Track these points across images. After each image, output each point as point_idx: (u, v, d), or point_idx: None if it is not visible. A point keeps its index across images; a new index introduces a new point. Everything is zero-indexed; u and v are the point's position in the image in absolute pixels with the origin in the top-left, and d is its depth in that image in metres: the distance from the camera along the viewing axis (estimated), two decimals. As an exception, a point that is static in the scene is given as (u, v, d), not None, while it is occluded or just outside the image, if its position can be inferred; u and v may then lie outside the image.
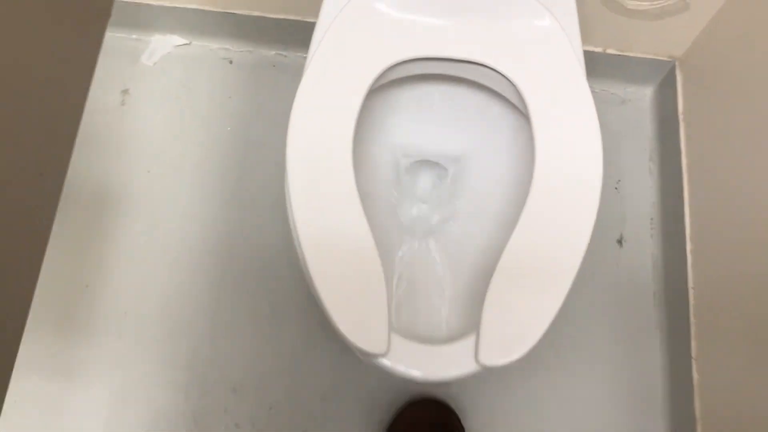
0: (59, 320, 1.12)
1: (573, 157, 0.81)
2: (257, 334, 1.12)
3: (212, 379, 1.10)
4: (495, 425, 1.08)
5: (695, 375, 1.03)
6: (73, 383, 1.09)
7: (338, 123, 0.82)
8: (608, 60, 1.25)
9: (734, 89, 1.05)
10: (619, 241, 1.20)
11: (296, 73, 0.82)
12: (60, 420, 1.07)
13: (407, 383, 1.10)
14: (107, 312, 1.13)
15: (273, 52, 1.32)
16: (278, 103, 1.28)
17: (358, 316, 0.75)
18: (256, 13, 1.23)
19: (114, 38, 1.29)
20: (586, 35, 1.17)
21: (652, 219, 1.21)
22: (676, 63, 1.23)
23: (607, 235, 1.21)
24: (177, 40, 1.31)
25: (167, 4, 1.23)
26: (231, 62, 1.31)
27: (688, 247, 1.11)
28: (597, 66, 1.24)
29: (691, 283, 1.08)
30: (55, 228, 0.56)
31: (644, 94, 1.31)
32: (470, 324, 0.80)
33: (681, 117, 1.20)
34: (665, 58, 1.23)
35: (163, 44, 1.30)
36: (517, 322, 0.76)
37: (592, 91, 0.83)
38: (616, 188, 1.24)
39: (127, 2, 1.23)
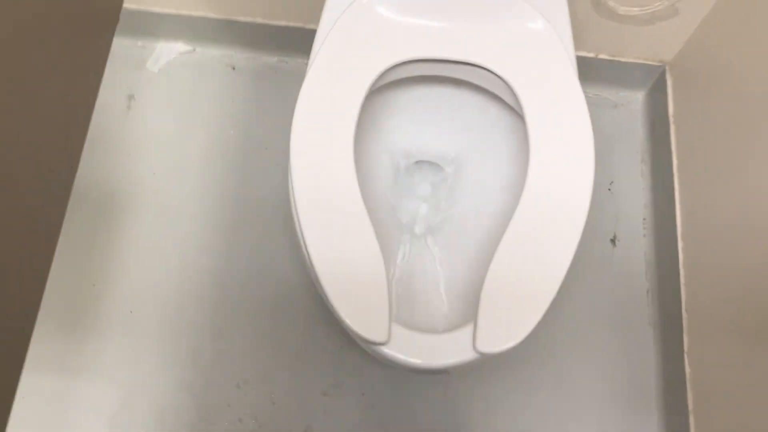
0: (66, 318, 1.14)
1: (566, 155, 0.84)
2: (260, 331, 1.15)
3: (216, 375, 1.12)
4: (493, 421, 1.11)
5: (687, 368, 1.06)
6: (80, 379, 1.11)
7: (339, 123, 0.85)
8: (600, 65, 1.29)
9: (722, 92, 1.08)
10: (613, 241, 1.24)
11: (297, 79, 0.86)
12: (66, 415, 1.09)
13: (408, 375, 1.13)
14: (113, 310, 1.16)
15: (275, 59, 1.36)
16: (280, 107, 1.31)
17: (361, 307, 0.78)
18: (258, 21, 1.27)
19: (120, 45, 1.33)
20: (578, 41, 1.20)
21: (644, 219, 1.25)
22: (666, 67, 1.27)
23: (601, 235, 1.24)
24: (181, 47, 1.34)
25: (172, 11, 1.27)
26: (234, 68, 1.35)
27: (680, 245, 1.14)
28: (590, 71, 1.28)
29: (682, 280, 1.12)
30: (63, 228, 0.59)
31: (636, 98, 1.34)
32: (468, 317, 0.83)
33: (671, 120, 1.23)
34: (656, 63, 1.27)
35: (168, 51, 1.34)
36: (513, 311, 0.78)
37: (585, 96, 0.86)
38: (609, 189, 1.27)
39: (132, 10, 1.26)
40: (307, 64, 0.90)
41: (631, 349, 1.15)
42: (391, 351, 0.78)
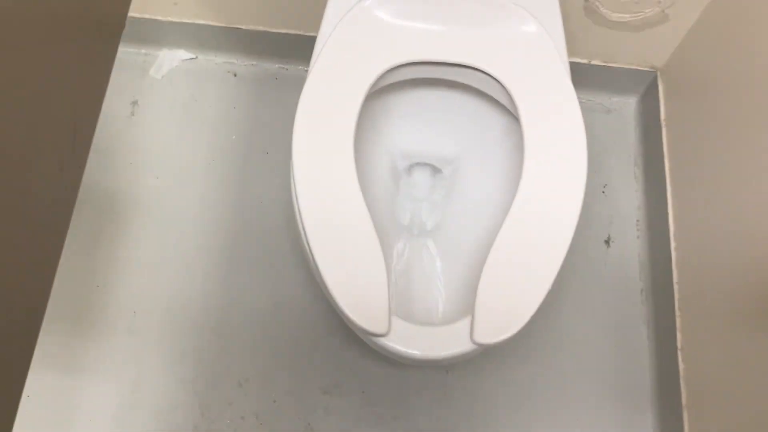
0: (72, 318, 1.16)
1: (560, 153, 0.87)
2: (261, 331, 1.17)
3: (218, 373, 1.14)
4: (492, 419, 1.13)
5: (681, 365, 1.08)
6: (85, 378, 1.13)
7: (340, 124, 0.87)
8: (594, 71, 1.32)
9: (712, 97, 1.11)
10: (607, 242, 1.26)
11: (297, 86, 0.88)
12: (72, 413, 1.11)
13: (407, 376, 1.15)
14: (118, 310, 1.18)
15: (275, 66, 1.39)
16: (280, 113, 1.34)
17: (362, 300, 0.80)
18: (260, 28, 1.30)
19: (124, 53, 1.36)
20: (572, 47, 1.24)
21: (638, 220, 1.27)
22: (658, 73, 1.30)
23: (596, 236, 1.26)
24: (184, 54, 1.37)
25: (175, 19, 1.30)
26: (235, 75, 1.38)
27: (672, 245, 1.17)
28: (583, 77, 1.31)
29: (675, 278, 1.14)
30: (68, 231, 0.61)
31: (628, 104, 1.37)
32: (465, 314, 0.85)
33: (663, 124, 1.26)
34: (647, 69, 1.30)
35: (171, 58, 1.37)
36: (509, 304, 0.81)
37: (579, 101, 0.88)
38: (603, 192, 1.30)
39: (136, 18, 1.30)
40: (306, 72, 0.92)
41: (626, 346, 1.17)
42: (390, 342, 0.80)
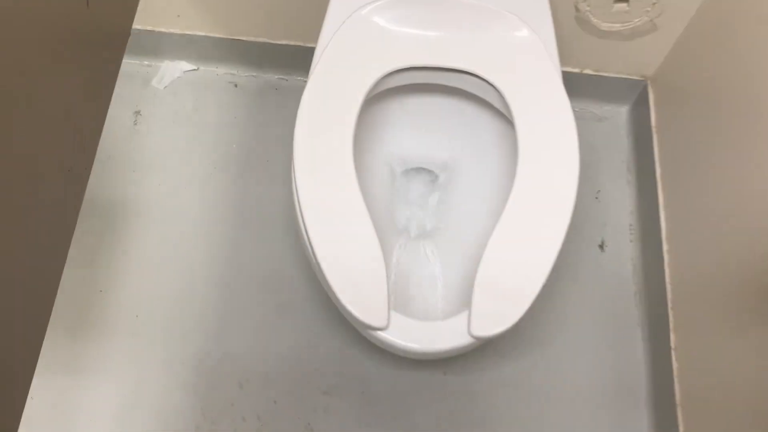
0: (75, 322, 1.18)
1: (553, 153, 0.90)
2: (262, 332, 1.19)
3: (219, 375, 1.16)
4: (489, 418, 1.15)
5: (674, 364, 1.10)
6: (88, 380, 1.14)
7: (339, 126, 0.90)
8: (586, 80, 1.35)
9: (701, 104, 1.14)
10: (601, 246, 1.29)
11: (297, 96, 0.91)
12: (74, 414, 1.12)
13: (405, 375, 1.16)
14: (120, 314, 1.19)
15: (276, 77, 1.42)
16: (280, 122, 1.37)
17: (362, 295, 0.82)
18: (260, 40, 1.33)
19: (127, 64, 1.39)
20: (564, 56, 1.27)
21: (631, 225, 1.30)
22: (648, 82, 1.33)
23: (590, 241, 1.29)
24: (186, 65, 1.41)
25: (177, 31, 1.34)
26: (236, 86, 1.41)
27: (665, 247, 1.19)
28: (576, 86, 1.34)
29: (668, 280, 1.16)
30: (72, 236, 0.63)
31: (620, 112, 1.41)
32: (463, 310, 0.87)
33: (654, 131, 1.30)
34: (638, 78, 1.34)
35: (173, 69, 1.40)
36: (504, 299, 0.83)
37: (573, 110, 0.91)
38: (596, 198, 1.33)
39: (139, 30, 1.33)
40: (306, 82, 0.95)
41: (621, 347, 1.19)
42: (390, 336, 0.82)
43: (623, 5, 1.13)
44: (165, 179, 1.31)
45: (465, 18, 0.96)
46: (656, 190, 1.25)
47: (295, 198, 0.89)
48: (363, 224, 0.85)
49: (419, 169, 1.15)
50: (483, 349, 1.18)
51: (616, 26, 1.18)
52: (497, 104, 0.97)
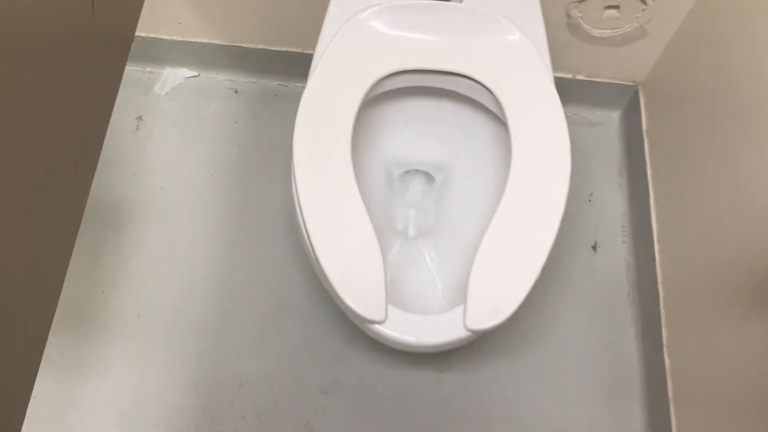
0: (77, 323, 1.20)
1: (545, 151, 0.92)
2: (261, 333, 1.21)
3: (219, 375, 1.17)
4: (487, 416, 1.16)
5: (667, 360, 1.13)
6: (90, 380, 1.16)
7: (337, 128, 0.93)
8: (579, 86, 1.38)
9: (690, 108, 1.17)
10: (594, 247, 1.31)
11: (296, 102, 0.93)
12: (76, 414, 1.14)
13: (404, 376, 1.18)
14: (122, 315, 1.21)
15: (275, 83, 1.45)
16: (279, 128, 1.40)
17: (360, 289, 0.84)
18: (260, 46, 1.36)
19: (130, 70, 1.42)
20: (557, 63, 1.31)
21: (623, 226, 1.33)
22: (639, 87, 1.36)
23: (583, 242, 1.31)
24: (187, 72, 1.43)
25: (179, 38, 1.37)
26: (236, 92, 1.44)
27: (656, 247, 1.22)
28: (569, 92, 1.37)
29: (660, 279, 1.19)
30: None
31: (612, 117, 1.44)
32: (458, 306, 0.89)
33: (645, 135, 1.32)
34: (629, 83, 1.37)
35: (174, 76, 1.43)
36: (499, 293, 0.85)
37: (565, 116, 0.94)
38: (590, 200, 1.36)
39: (142, 37, 1.36)
40: (304, 88, 0.98)
41: (615, 345, 1.21)
42: (387, 329, 0.84)
43: (614, 11, 1.16)
44: (166, 182, 1.33)
45: (460, 22, 0.99)
46: (647, 192, 1.28)
47: (295, 197, 0.91)
48: (361, 221, 0.88)
49: (416, 171, 1.17)
50: (479, 349, 1.21)
51: (607, 32, 1.21)
52: (492, 106, 0.99)
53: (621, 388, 1.18)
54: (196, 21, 1.32)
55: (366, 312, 0.83)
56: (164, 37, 1.37)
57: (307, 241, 0.88)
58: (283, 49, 1.37)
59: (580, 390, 1.18)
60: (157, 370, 1.18)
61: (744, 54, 1.00)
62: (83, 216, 0.67)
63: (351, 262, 0.86)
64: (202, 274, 1.25)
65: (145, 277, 1.24)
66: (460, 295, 0.96)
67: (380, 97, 1.03)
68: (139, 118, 1.39)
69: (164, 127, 1.39)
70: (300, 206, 0.89)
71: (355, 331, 1.19)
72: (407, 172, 1.18)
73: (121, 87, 0.76)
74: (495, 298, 0.85)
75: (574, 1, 1.15)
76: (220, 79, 1.44)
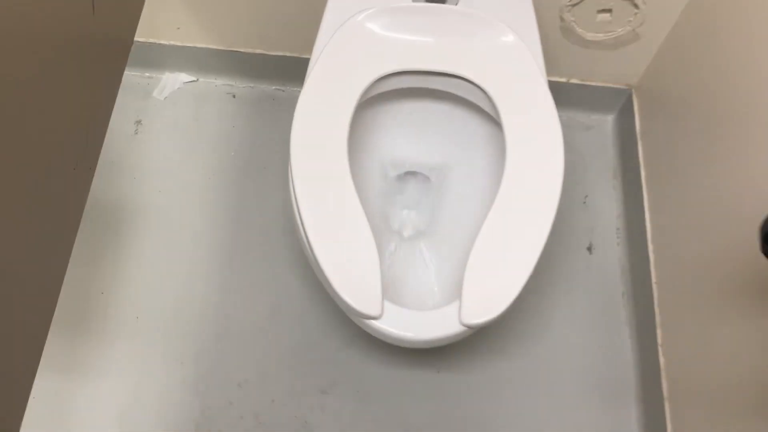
0: (76, 324, 1.21)
1: (539, 150, 0.94)
2: (260, 333, 1.22)
3: (218, 375, 1.18)
4: (484, 416, 1.17)
5: (661, 359, 1.13)
6: (90, 380, 1.17)
7: (334, 128, 0.94)
8: (573, 90, 1.40)
9: (682, 111, 1.19)
10: (589, 249, 1.32)
11: (293, 106, 0.95)
12: (75, 414, 1.15)
13: (403, 376, 1.19)
14: (121, 315, 1.22)
15: (272, 87, 1.46)
16: (277, 131, 1.41)
17: (357, 286, 0.86)
18: (258, 51, 1.38)
19: (128, 75, 1.43)
20: (551, 67, 1.32)
21: (617, 228, 1.34)
22: (632, 91, 1.38)
23: (578, 244, 1.33)
24: (185, 77, 1.45)
25: (177, 43, 1.38)
26: (234, 96, 1.45)
27: (650, 248, 1.23)
28: (563, 95, 1.38)
29: (654, 280, 1.20)
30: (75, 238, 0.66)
31: (606, 120, 1.45)
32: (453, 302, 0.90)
33: (639, 138, 1.34)
34: (622, 87, 1.38)
35: (173, 81, 1.44)
36: (493, 289, 0.86)
37: (560, 119, 0.95)
38: (584, 203, 1.37)
39: (141, 42, 1.37)
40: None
41: (610, 345, 1.23)
42: (383, 325, 0.85)
43: (606, 15, 1.18)
44: (165, 184, 1.34)
45: (455, 24, 1.00)
46: (641, 194, 1.29)
47: (293, 197, 0.92)
48: (358, 219, 0.89)
49: (412, 173, 1.19)
50: (476, 349, 1.22)
51: (600, 36, 1.23)
52: (486, 107, 1.01)
53: (616, 388, 1.19)
54: (194, 26, 1.34)
55: (362, 307, 0.84)
56: (163, 42, 1.38)
57: (305, 240, 0.90)
58: (281, 53, 1.38)
59: (575, 390, 1.19)
60: (157, 370, 1.18)
61: (736, 56, 1.01)
62: (83, 217, 0.68)
63: (348, 259, 0.87)
64: (201, 275, 1.26)
65: (144, 278, 1.25)
66: (455, 293, 0.97)
67: (376, 98, 1.05)
68: (138, 122, 1.41)
69: (163, 132, 1.40)
70: (297, 206, 0.90)
71: (353, 331, 1.20)
72: (404, 173, 1.19)
73: (120, 92, 0.77)
74: (489, 294, 0.86)
75: (568, 5, 1.17)
76: (219, 83, 1.46)
